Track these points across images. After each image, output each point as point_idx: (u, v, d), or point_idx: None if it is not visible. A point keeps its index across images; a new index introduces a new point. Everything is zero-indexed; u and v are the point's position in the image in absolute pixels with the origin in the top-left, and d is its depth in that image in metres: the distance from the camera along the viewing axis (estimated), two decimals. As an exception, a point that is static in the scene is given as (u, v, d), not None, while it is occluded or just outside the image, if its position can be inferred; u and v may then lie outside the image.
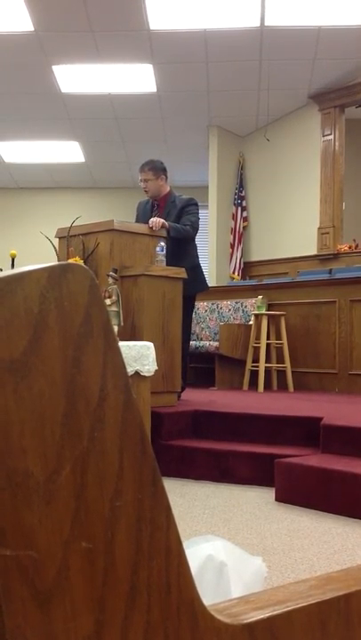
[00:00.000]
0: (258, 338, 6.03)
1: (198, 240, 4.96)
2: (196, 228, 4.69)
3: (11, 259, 3.86)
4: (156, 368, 3.68)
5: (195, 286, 4.77)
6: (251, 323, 6.24)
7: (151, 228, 4.39)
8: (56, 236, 4.50)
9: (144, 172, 4.72)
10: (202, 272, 4.94)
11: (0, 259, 4.62)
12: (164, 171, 4.76)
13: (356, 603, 0.66)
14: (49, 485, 0.48)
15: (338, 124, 8.15)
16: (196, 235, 4.75)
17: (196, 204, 4.77)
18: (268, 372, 6.09)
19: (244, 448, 3.75)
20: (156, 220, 4.41)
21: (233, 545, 1.67)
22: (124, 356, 0.53)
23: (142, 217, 4.76)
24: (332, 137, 8.15)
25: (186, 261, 4.61)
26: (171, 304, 4.28)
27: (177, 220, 4.63)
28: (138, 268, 4.21)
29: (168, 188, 4.82)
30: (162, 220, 4.43)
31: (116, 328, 3.70)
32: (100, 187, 11.02)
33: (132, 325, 4.15)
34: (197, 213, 4.74)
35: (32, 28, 6.70)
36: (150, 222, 4.41)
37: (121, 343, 3.51)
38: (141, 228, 4.45)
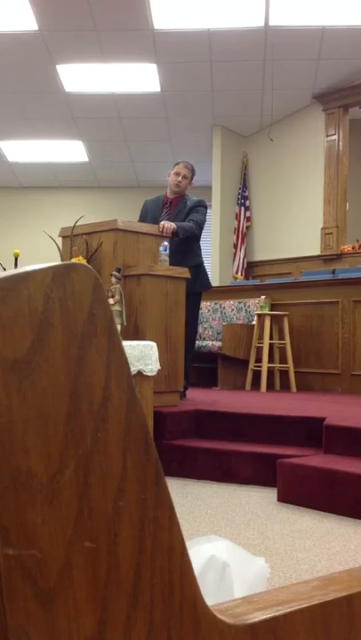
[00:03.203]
0: (261, 338, 6.03)
1: (201, 239, 4.98)
2: (200, 226, 4.71)
3: (14, 258, 3.86)
4: (159, 368, 3.68)
5: (198, 284, 4.80)
6: (254, 323, 6.24)
7: (161, 231, 4.41)
8: (59, 236, 4.51)
9: (187, 169, 4.79)
10: (205, 271, 4.97)
11: (4, 258, 4.63)
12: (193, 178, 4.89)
13: (359, 604, 0.66)
14: (52, 485, 0.48)
15: (342, 124, 8.15)
16: (200, 233, 4.78)
17: (204, 206, 4.83)
18: (270, 372, 6.09)
19: (247, 448, 3.74)
20: (167, 226, 4.42)
21: (235, 545, 1.67)
22: (127, 355, 0.53)
23: (151, 212, 4.79)
24: (336, 137, 8.14)
25: (190, 259, 4.64)
26: (174, 304, 4.28)
27: (184, 219, 4.67)
28: (141, 267, 4.21)
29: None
30: (173, 226, 4.44)
31: (119, 327, 3.70)
32: (103, 186, 11.02)
33: (135, 325, 4.15)
34: (205, 214, 4.80)
35: (36, 28, 6.71)
36: (161, 225, 4.43)
37: (124, 343, 3.50)
38: (145, 227, 4.46)
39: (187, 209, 4.73)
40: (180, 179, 4.77)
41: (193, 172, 4.85)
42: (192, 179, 4.85)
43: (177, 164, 4.87)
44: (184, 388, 4.66)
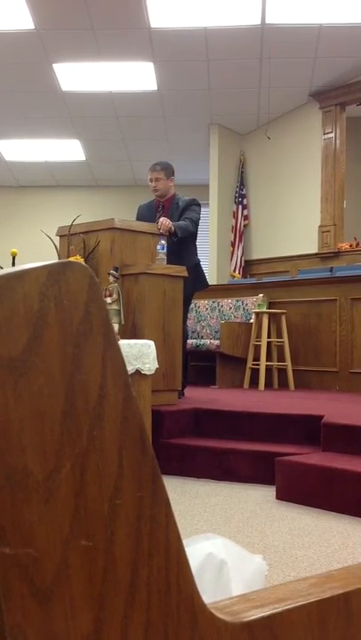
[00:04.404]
0: (259, 336, 6.03)
1: (199, 238, 4.98)
2: (195, 224, 4.71)
3: (12, 257, 3.86)
4: (157, 366, 3.68)
5: (196, 285, 4.83)
6: (252, 321, 6.24)
7: (159, 228, 4.40)
8: (57, 235, 4.50)
9: (156, 172, 4.76)
10: (202, 270, 4.98)
11: (1, 257, 4.62)
12: (173, 173, 4.84)
13: (357, 601, 0.66)
14: (48, 484, 0.48)
15: (339, 122, 8.15)
16: (196, 231, 4.77)
17: (197, 204, 4.81)
18: (268, 370, 6.09)
19: (245, 446, 3.75)
20: (166, 223, 4.42)
21: (233, 543, 1.67)
22: (124, 354, 0.53)
23: (148, 218, 4.75)
24: (333, 135, 8.14)
25: (188, 260, 4.64)
26: (171, 302, 4.28)
27: (179, 219, 4.67)
28: (139, 266, 4.21)
29: (173, 191, 4.87)
30: (171, 224, 4.44)
31: (116, 326, 3.70)
32: (100, 185, 11.01)
33: (132, 324, 4.15)
34: (199, 212, 4.78)
35: (33, 27, 6.70)
36: (159, 223, 4.43)
37: (122, 341, 3.51)
38: (142, 226, 4.46)
39: (180, 209, 4.73)
40: (153, 184, 4.77)
41: (166, 168, 4.79)
42: (169, 174, 4.79)
43: (149, 171, 4.83)
44: (182, 386, 4.67)
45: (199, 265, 4.90)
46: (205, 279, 5.06)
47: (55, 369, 0.49)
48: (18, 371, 0.48)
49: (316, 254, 8.16)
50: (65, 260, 0.51)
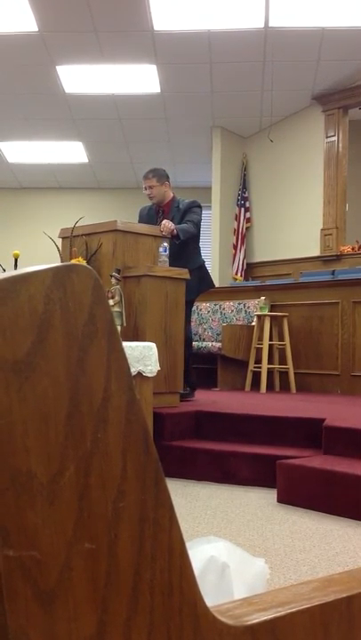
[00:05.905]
0: (260, 339, 6.03)
1: (201, 240, 4.98)
2: (197, 226, 4.71)
3: (14, 259, 3.87)
4: (159, 369, 3.69)
5: (200, 286, 4.84)
6: (253, 324, 6.24)
7: (161, 231, 4.41)
8: (59, 237, 4.51)
9: (148, 180, 4.78)
10: (207, 270, 5.01)
11: (3, 259, 4.63)
12: (167, 177, 4.84)
13: (359, 605, 0.66)
14: (52, 486, 0.48)
15: (341, 125, 8.14)
16: (199, 233, 4.78)
17: (198, 206, 4.81)
18: (270, 373, 6.09)
19: (246, 449, 3.74)
20: (168, 225, 4.43)
21: (235, 546, 1.67)
22: (126, 356, 0.53)
23: (147, 222, 4.77)
24: (335, 138, 8.14)
25: (191, 261, 4.65)
26: (173, 305, 4.28)
27: (180, 222, 4.68)
28: (141, 268, 4.21)
29: (172, 194, 4.88)
30: (173, 226, 4.45)
31: (118, 328, 3.70)
32: (103, 187, 11.02)
33: (134, 326, 4.15)
34: (200, 214, 4.78)
35: (36, 29, 6.71)
36: (162, 225, 4.44)
37: (123, 343, 3.50)
38: (144, 228, 4.46)
39: (181, 212, 4.73)
40: (148, 192, 4.80)
41: (158, 174, 4.80)
42: (163, 179, 4.79)
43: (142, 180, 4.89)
44: (192, 389, 4.68)
45: (204, 266, 4.92)
46: (211, 280, 5.07)
47: (60, 371, 0.49)
48: (23, 373, 0.48)
49: (318, 257, 8.16)
50: (70, 262, 0.51)
